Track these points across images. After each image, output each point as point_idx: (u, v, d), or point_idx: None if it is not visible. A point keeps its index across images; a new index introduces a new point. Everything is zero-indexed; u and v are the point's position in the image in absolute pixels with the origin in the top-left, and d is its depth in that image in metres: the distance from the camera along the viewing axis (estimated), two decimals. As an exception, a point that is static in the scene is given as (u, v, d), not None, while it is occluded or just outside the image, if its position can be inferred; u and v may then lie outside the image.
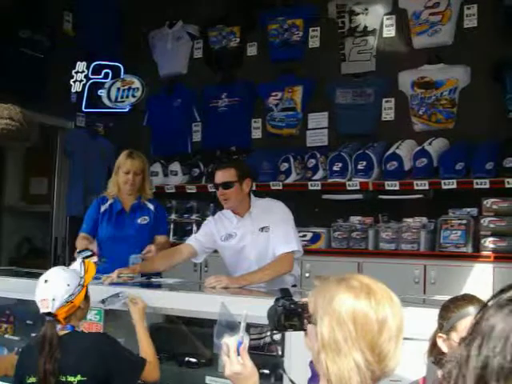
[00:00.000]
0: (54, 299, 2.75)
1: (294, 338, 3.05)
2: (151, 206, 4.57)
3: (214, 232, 4.19)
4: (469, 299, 2.33)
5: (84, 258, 3.65)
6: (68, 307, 2.78)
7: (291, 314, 1.85)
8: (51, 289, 2.78)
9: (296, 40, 6.34)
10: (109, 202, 4.53)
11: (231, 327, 2.14)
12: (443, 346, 2.26)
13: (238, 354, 1.90)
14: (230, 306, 2.79)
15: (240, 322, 2.00)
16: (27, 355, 2.87)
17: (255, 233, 4.04)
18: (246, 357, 1.90)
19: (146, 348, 3.10)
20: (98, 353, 2.77)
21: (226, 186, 3.97)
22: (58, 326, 2.77)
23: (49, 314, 2.76)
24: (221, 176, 4.00)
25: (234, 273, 4.09)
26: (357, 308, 1.60)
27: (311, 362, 1.84)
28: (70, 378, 2.69)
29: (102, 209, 4.52)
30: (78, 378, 2.68)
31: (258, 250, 4.03)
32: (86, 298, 2.91)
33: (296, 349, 3.04)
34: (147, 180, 4.59)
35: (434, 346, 2.31)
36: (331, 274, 1.73)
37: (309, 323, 1.71)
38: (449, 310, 2.31)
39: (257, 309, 2.72)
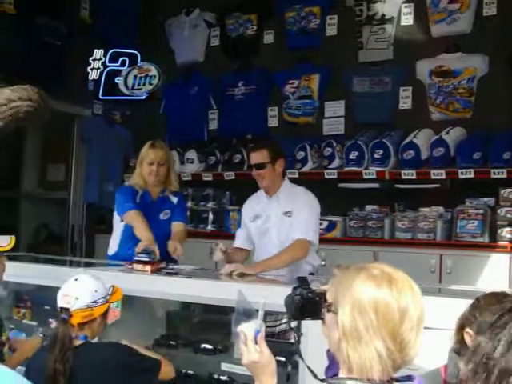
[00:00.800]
0: (77, 298, 2.73)
1: (310, 327, 3.07)
2: (174, 200, 4.52)
3: (245, 216, 4.32)
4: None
5: (143, 262, 3.70)
6: (86, 313, 2.75)
7: (308, 303, 1.86)
8: (78, 288, 2.76)
9: (313, 28, 6.31)
10: (140, 193, 4.44)
11: (248, 315, 2.11)
12: (469, 341, 2.16)
13: (256, 343, 1.90)
14: (246, 293, 2.81)
15: (257, 310, 1.99)
16: (37, 358, 2.82)
17: (279, 216, 4.12)
18: (264, 345, 1.90)
19: None
20: (114, 365, 2.72)
21: (260, 166, 4.10)
22: (72, 335, 2.71)
23: (66, 310, 2.71)
24: (254, 157, 4.14)
25: (259, 256, 4.17)
26: (378, 297, 1.62)
27: (328, 351, 1.85)
28: None
29: (137, 198, 4.42)
30: None
31: (281, 233, 4.08)
32: (105, 315, 2.86)
33: (312, 337, 3.06)
34: (172, 171, 4.53)
35: (458, 334, 2.25)
36: (350, 263, 1.74)
37: (328, 312, 1.72)
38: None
39: (272, 296, 2.74)
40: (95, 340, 2.90)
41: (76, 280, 2.80)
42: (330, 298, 1.73)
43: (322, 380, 1.76)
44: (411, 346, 1.63)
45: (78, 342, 2.72)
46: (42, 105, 1.92)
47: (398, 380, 1.67)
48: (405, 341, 1.62)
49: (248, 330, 1.91)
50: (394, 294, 1.63)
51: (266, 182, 4.15)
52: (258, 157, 4.11)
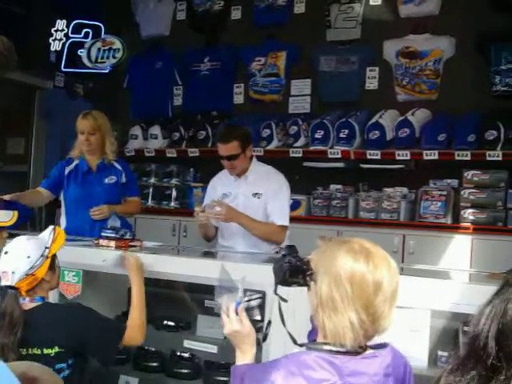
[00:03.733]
0: (13, 272, 2.66)
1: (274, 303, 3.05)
2: (119, 166, 4.59)
3: (212, 194, 4.28)
4: None
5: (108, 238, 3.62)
6: (29, 280, 2.68)
7: (296, 271, 1.95)
8: (11, 261, 2.69)
9: (281, 5, 6.24)
10: (74, 163, 4.56)
11: (230, 289, 2.21)
12: None
13: (237, 314, 2.04)
14: (213, 269, 2.78)
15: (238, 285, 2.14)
16: None
17: (247, 196, 4.13)
18: (244, 316, 2.04)
19: (133, 308, 3.00)
20: (72, 323, 2.68)
21: (231, 158, 4.08)
22: (26, 299, 2.67)
23: (10, 287, 2.65)
24: (225, 149, 4.09)
25: (223, 235, 4.20)
26: (355, 270, 1.73)
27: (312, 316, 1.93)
28: (47, 351, 2.60)
29: (67, 170, 4.56)
30: (56, 349, 2.61)
31: (247, 213, 4.05)
32: (52, 268, 2.78)
33: (276, 314, 3.04)
34: (107, 140, 4.55)
35: None
36: (332, 237, 1.93)
37: (311, 280, 1.83)
38: None
39: (239, 274, 2.70)
40: (55, 299, 2.93)
41: (6, 253, 2.71)
42: (312, 267, 1.83)
43: (300, 345, 1.86)
44: (384, 317, 1.74)
45: (33, 305, 2.69)
46: (6, 53, 1.84)
47: (372, 347, 1.78)
48: (378, 312, 1.72)
49: (229, 302, 2.06)
50: (370, 268, 1.73)
51: (237, 170, 4.16)
52: (229, 149, 4.07)
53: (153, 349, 3.63)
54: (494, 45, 5.27)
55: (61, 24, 6.43)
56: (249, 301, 3.36)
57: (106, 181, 4.54)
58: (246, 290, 3.24)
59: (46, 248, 2.75)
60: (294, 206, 5.65)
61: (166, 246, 4.23)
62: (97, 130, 4.49)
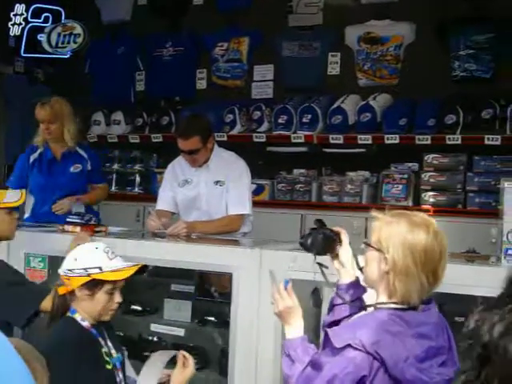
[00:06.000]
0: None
1: (241, 287, 3.10)
2: (84, 154, 4.56)
3: (172, 179, 4.25)
4: None
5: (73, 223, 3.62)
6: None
7: (329, 240, 2.28)
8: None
9: (243, -11, 6.24)
10: (39, 151, 4.53)
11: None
12: None
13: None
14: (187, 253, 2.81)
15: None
16: None
17: (209, 184, 4.11)
18: (293, 293, 2.23)
19: None
20: None
21: (192, 152, 4.05)
22: None
23: None
24: (185, 145, 4.04)
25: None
26: (427, 240, 2.04)
27: (324, 326, 2.24)
28: None
29: (32, 159, 4.52)
30: None
31: (210, 201, 4.09)
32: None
33: (243, 295, 3.09)
34: (67, 128, 4.50)
35: None
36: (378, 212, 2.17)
37: (372, 250, 2.10)
38: None
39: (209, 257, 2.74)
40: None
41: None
42: (375, 237, 2.11)
43: (368, 305, 2.18)
44: (441, 277, 2.08)
45: None
46: None
47: (423, 302, 2.09)
48: (439, 274, 2.07)
49: (279, 283, 2.26)
50: (437, 239, 2.06)
51: (198, 163, 4.13)
52: (189, 144, 4.03)
53: (120, 333, 3.65)
54: (453, 30, 5.37)
55: (20, 8, 6.33)
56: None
57: (72, 169, 4.51)
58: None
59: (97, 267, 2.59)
60: (258, 190, 5.70)
61: (132, 231, 4.24)
62: (56, 119, 4.45)
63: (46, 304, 2.78)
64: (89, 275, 2.51)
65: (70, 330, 2.53)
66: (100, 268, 2.52)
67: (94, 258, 2.54)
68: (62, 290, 2.56)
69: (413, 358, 1.98)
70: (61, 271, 2.57)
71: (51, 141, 4.50)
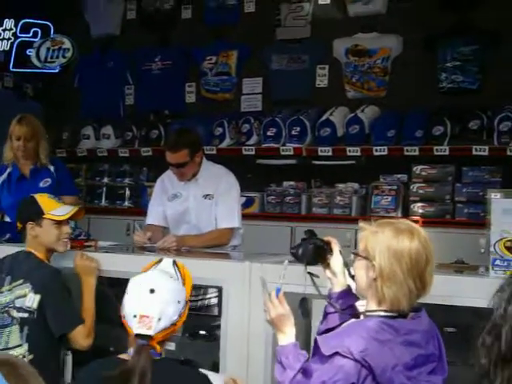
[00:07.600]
0: (160, 319, 2.20)
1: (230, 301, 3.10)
2: (51, 167, 4.53)
3: (162, 193, 4.25)
4: None
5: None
6: (169, 331, 2.26)
7: (320, 250, 2.31)
8: (159, 304, 2.21)
9: (231, 4, 6.27)
10: (7, 171, 4.48)
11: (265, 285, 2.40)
12: None
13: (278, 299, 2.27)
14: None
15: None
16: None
17: (198, 198, 4.11)
18: (284, 301, 2.27)
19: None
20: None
21: (180, 165, 4.05)
22: (156, 354, 2.23)
23: (146, 336, 2.18)
24: (173, 158, 4.05)
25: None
26: (413, 246, 2.08)
27: (316, 339, 2.19)
28: None
29: (1, 180, 4.48)
30: None
31: (199, 215, 4.09)
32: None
33: (233, 309, 3.09)
34: (42, 145, 4.49)
35: None
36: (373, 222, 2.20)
37: (360, 259, 2.14)
38: None
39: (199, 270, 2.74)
40: None
41: (152, 292, 2.21)
42: (362, 246, 2.15)
43: (359, 313, 2.18)
44: (429, 283, 2.11)
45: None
46: None
47: (412, 310, 2.12)
48: (427, 280, 2.09)
49: (271, 291, 2.29)
50: (423, 244, 2.09)
51: (186, 177, 4.13)
52: (177, 157, 4.04)
53: (111, 348, 3.63)
54: (439, 43, 5.42)
55: (9, 23, 6.33)
56: (209, 298, 3.42)
57: (41, 185, 4.46)
58: (201, 287, 3.29)
59: (183, 288, 2.37)
60: (248, 203, 5.71)
61: (122, 246, 4.23)
62: (33, 137, 4.43)
63: None
64: (187, 301, 2.40)
65: None
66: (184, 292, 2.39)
67: (178, 285, 2.38)
68: (158, 341, 2.29)
69: (401, 366, 2.00)
70: (166, 323, 2.26)
71: (23, 158, 4.46)
